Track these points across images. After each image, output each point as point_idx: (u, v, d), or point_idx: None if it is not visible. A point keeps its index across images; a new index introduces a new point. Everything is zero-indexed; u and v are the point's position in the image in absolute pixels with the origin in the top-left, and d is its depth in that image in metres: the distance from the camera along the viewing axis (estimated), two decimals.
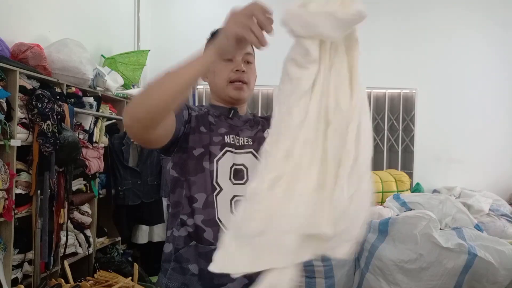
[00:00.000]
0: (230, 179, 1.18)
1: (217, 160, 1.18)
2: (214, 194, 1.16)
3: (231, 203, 1.16)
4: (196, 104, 4.09)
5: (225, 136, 1.22)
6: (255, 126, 1.30)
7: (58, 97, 2.43)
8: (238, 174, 1.19)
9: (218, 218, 1.15)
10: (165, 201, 3.33)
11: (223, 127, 1.23)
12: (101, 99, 2.99)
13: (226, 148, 1.20)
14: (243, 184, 1.18)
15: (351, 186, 0.75)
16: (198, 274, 1.14)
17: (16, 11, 2.58)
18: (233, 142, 1.22)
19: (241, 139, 1.24)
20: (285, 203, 0.72)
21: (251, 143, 1.24)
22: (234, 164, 1.20)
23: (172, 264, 1.17)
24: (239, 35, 0.87)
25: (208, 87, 1.34)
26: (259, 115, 1.42)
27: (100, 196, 3.02)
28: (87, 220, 2.84)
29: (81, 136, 2.70)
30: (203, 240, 1.14)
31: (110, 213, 3.11)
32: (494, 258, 2.68)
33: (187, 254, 1.15)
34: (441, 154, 4.46)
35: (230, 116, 1.27)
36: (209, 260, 0.84)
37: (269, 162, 0.75)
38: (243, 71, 1.24)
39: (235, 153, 1.21)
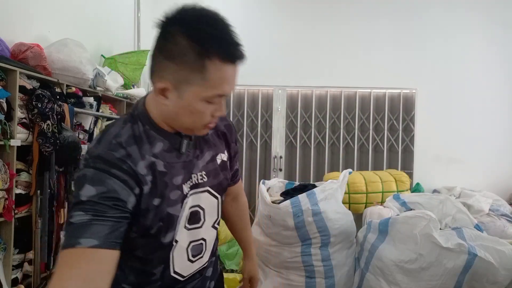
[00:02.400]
0: (185, 226, 1.02)
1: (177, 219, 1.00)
2: (171, 252, 1.01)
3: (187, 251, 1.04)
4: None
5: (182, 186, 0.99)
6: (206, 151, 1.07)
7: (58, 97, 2.43)
8: (194, 217, 1.03)
9: (174, 271, 1.04)
10: None
11: (178, 175, 0.98)
12: (101, 99, 2.99)
13: (183, 200, 1.00)
14: (200, 227, 1.06)
15: None
16: None
17: (16, 11, 2.58)
18: (188, 185, 1.01)
19: (195, 177, 1.03)
20: None
21: (206, 178, 1.05)
22: (189, 207, 1.02)
23: None
24: None
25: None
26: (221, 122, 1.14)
27: None
28: None
29: (81, 136, 2.70)
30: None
31: None
32: (494, 258, 2.68)
33: None
34: (441, 154, 4.46)
35: (183, 150, 1.00)
36: None
37: None
38: (222, 114, 0.97)
39: (191, 195, 1.02)
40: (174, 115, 0.93)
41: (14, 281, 2.22)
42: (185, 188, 1.00)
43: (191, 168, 1.02)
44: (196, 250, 1.06)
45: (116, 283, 0.93)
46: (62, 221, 2.44)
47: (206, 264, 1.13)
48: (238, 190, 1.36)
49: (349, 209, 3.59)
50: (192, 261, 1.07)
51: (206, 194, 1.06)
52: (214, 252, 1.18)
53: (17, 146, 2.18)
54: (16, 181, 2.22)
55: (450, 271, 2.71)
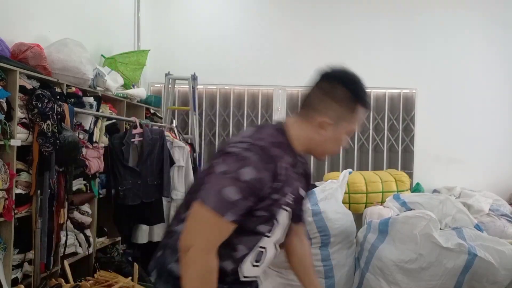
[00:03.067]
0: (266, 234, 1.21)
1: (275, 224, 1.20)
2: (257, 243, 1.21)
3: (254, 254, 1.21)
4: (196, 102, 4.09)
5: (288, 196, 1.21)
6: (303, 181, 1.32)
7: (58, 97, 2.43)
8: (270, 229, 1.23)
9: (240, 266, 1.20)
10: (165, 201, 3.33)
11: (289, 186, 1.20)
12: (101, 99, 2.98)
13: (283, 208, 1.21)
14: (269, 237, 1.21)
15: None
16: None
17: (16, 11, 2.58)
18: (288, 198, 1.21)
19: (291, 196, 1.23)
20: None
21: (293, 201, 1.24)
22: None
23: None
24: None
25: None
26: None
27: (100, 196, 3.02)
28: (87, 220, 2.84)
29: (81, 136, 2.70)
30: (224, 283, 1.16)
31: (110, 213, 3.11)
32: (494, 258, 2.68)
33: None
34: (441, 154, 4.46)
35: (301, 170, 1.28)
36: None
37: None
38: None
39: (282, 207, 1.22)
40: (323, 142, 1.22)
41: (14, 281, 2.21)
42: (287, 199, 1.20)
43: (295, 187, 1.23)
44: (258, 256, 1.22)
45: None
46: (62, 221, 2.44)
47: (256, 279, 1.28)
48: (304, 232, 1.49)
49: (349, 209, 3.59)
50: (253, 266, 1.22)
51: (286, 213, 1.22)
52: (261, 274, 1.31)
53: (17, 146, 2.18)
54: (16, 181, 2.22)
55: (450, 271, 2.71)
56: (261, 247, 1.20)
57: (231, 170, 1.07)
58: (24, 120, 2.26)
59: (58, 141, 2.28)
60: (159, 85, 4.50)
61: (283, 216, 1.21)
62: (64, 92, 2.60)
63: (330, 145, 1.24)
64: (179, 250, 1.08)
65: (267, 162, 1.10)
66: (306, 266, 1.47)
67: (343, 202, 3.72)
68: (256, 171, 1.07)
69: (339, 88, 1.19)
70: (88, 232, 2.86)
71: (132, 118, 3.24)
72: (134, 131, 3.14)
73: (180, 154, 3.47)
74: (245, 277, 1.21)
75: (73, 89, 2.70)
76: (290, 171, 1.19)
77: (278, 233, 1.23)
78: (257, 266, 1.23)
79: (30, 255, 2.32)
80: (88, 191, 2.87)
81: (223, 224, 1.06)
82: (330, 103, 1.19)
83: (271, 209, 1.15)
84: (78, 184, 2.75)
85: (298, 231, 1.44)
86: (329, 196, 3.22)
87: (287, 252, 1.45)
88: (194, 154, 3.87)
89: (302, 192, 1.30)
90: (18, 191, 2.23)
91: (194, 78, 4.02)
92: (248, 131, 1.21)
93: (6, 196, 2.11)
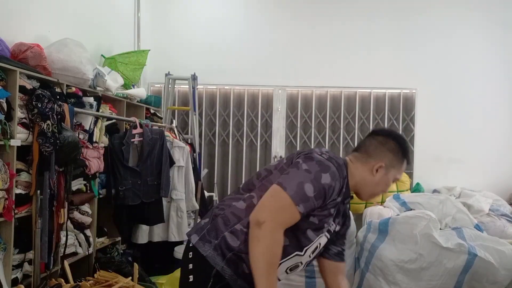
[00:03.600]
0: (306, 249, 1.38)
1: (318, 238, 1.38)
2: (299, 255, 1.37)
3: (288, 269, 1.40)
4: (196, 103, 4.09)
5: (334, 221, 1.43)
6: (342, 217, 1.52)
7: (58, 97, 2.43)
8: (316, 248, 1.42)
9: (285, 271, 1.39)
10: (165, 201, 3.33)
11: (334, 217, 1.41)
12: (101, 99, 2.98)
13: (325, 234, 1.41)
14: (312, 257, 1.45)
15: None
16: (249, 273, 1.27)
17: (16, 11, 2.58)
18: (332, 225, 1.44)
19: (333, 224, 1.45)
20: None
21: (335, 227, 1.48)
22: (319, 237, 1.39)
23: (232, 256, 1.30)
24: None
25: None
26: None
27: (100, 196, 3.02)
28: (87, 220, 2.84)
29: (81, 136, 2.70)
30: None
31: (110, 213, 3.11)
32: (494, 258, 2.68)
33: (246, 259, 1.28)
34: (441, 154, 4.46)
35: (345, 202, 1.47)
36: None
37: None
38: None
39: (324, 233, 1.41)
40: (374, 184, 1.44)
41: (14, 281, 2.21)
42: (331, 226, 1.42)
43: (338, 216, 1.44)
44: (295, 267, 1.42)
45: (229, 249, 1.30)
46: (62, 221, 2.43)
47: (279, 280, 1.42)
48: (343, 271, 1.64)
49: (349, 209, 3.58)
50: (287, 273, 1.42)
51: (325, 238, 1.42)
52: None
53: (17, 146, 2.18)
54: (16, 181, 2.22)
55: (450, 271, 2.71)
56: (300, 262, 1.39)
57: (313, 171, 1.26)
58: (24, 120, 2.26)
59: (58, 141, 2.28)
60: (159, 85, 4.50)
61: (323, 238, 1.40)
62: (64, 92, 2.59)
63: (378, 187, 1.45)
64: (250, 223, 1.24)
65: (341, 176, 1.31)
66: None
67: None
68: (331, 179, 1.27)
69: (392, 141, 1.45)
70: (88, 232, 2.86)
71: (132, 118, 3.24)
72: (134, 131, 3.14)
73: (180, 154, 3.47)
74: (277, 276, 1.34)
75: (73, 89, 2.70)
76: (341, 205, 1.42)
77: (313, 248, 1.39)
78: (287, 273, 1.41)
79: (30, 255, 2.32)
80: (88, 191, 2.87)
81: (295, 212, 1.23)
82: (385, 152, 1.44)
83: (324, 220, 1.34)
84: (78, 184, 2.75)
85: (341, 270, 1.61)
86: None
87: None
88: (194, 154, 3.88)
89: (337, 227, 1.49)
90: (18, 191, 2.23)
91: (194, 78, 4.02)
92: (324, 149, 1.40)
93: (6, 196, 2.11)
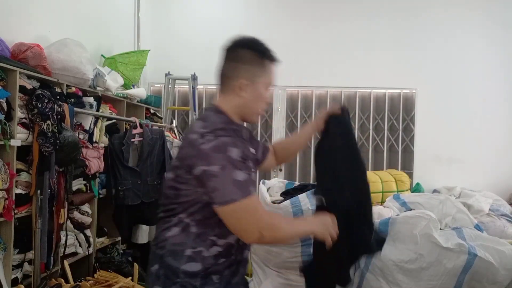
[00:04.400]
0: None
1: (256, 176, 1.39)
2: None
3: None
4: (196, 103, 4.09)
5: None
6: (254, 142, 1.54)
7: (58, 97, 2.43)
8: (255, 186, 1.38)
9: None
10: None
11: (252, 147, 1.39)
12: (101, 99, 2.98)
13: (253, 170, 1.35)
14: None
15: None
16: (219, 281, 1.27)
17: (16, 11, 2.58)
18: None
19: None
20: None
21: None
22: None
23: (200, 281, 1.25)
24: (330, 237, 1.32)
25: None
26: None
27: (100, 196, 3.02)
28: (87, 220, 2.84)
29: (81, 136, 2.70)
30: (230, 254, 1.30)
31: (110, 213, 3.11)
32: (494, 258, 2.68)
33: (215, 269, 1.27)
34: (441, 154, 4.46)
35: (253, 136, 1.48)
36: (230, 267, 1.29)
37: None
38: None
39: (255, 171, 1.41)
40: (248, 103, 1.33)
41: (14, 281, 2.22)
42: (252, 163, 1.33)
43: (250, 151, 1.34)
44: None
45: (204, 236, 1.25)
46: (62, 221, 2.44)
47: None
48: (271, 150, 1.71)
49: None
50: None
51: (254, 174, 1.36)
52: None
53: (17, 146, 2.18)
54: (16, 181, 2.22)
55: (450, 271, 2.71)
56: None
57: (221, 162, 1.15)
58: (24, 120, 2.26)
59: (58, 141, 2.29)
60: (159, 85, 4.50)
61: (254, 175, 1.34)
62: (64, 92, 2.60)
63: (256, 104, 1.35)
64: (255, 243, 1.24)
65: (234, 134, 1.23)
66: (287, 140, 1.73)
67: None
68: (235, 147, 1.18)
69: (243, 51, 1.33)
70: (88, 232, 2.86)
71: (132, 118, 3.24)
72: (134, 131, 3.14)
73: None
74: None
75: (73, 89, 2.70)
76: (247, 142, 1.36)
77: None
78: None
79: (30, 255, 2.32)
80: (88, 191, 2.87)
81: (254, 199, 1.20)
82: (241, 66, 1.31)
83: (251, 174, 1.25)
84: (78, 184, 2.75)
85: (271, 150, 1.69)
86: None
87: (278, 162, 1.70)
88: None
89: (253, 151, 1.42)
90: (18, 191, 2.23)
91: (194, 78, 4.02)
92: (198, 124, 1.26)
93: (6, 196, 2.12)
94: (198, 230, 1.25)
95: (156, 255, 1.29)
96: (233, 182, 1.15)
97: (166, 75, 4.06)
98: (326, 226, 1.33)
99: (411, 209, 3.28)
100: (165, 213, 1.31)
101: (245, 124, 1.45)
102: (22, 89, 2.25)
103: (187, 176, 1.21)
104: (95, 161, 2.82)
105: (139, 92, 3.61)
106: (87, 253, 2.82)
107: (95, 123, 2.87)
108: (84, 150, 2.69)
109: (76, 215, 2.76)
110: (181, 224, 1.26)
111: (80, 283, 2.45)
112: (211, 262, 1.25)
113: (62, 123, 2.37)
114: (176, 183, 1.25)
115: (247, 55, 1.32)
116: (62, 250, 2.54)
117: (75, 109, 2.58)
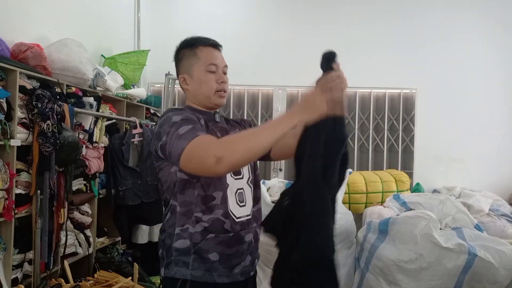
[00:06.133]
0: (231, 175, 1.39)
1: None
2: (226, 191, 1.35)
3: (235, 196, 1.38)
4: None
5: None
6: (236, 127, 1.51)
7: (58, 97, 2.43)
8: (236, 171, 1.40)
9: (230, 210, 1.35)
10: None
11: (218, 132, 1.41)
12: (101, 99, 2.98)
13: None
14: (241, 178, 1.42)
15: None
16: (219, 260, 1.32)
17: (16, 11, 2.58)
18: None
19: None
20: None
21: None
22: None
23: (193, 257, 1.32)
24: (329, 113, 1.17)
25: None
26: (232, 117, 1.61)
27: (100, 196, 3.02)
28: (87, 220, 2.84)
29: (81, 136, 2.70)
30: (223, 230, 1.33)
31: (110, 213, 3.11)
32: (494, 258, 2.68)
33: (206, 246, 1.31)
34: (441, 154, 4.46)
35: (218, 120, 1.47)
36: (228, 245, 1.32)
37: None
38: (225, 82, 1.45)
39: None
40: (195, 92, 1.43)
41: (14, 281, 2.21)
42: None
43: (227, 132, 1.44)
44: (240, 196, 1.40)
45: (189, 213, 1.32)
46: (62, 221, 2.44)
47: (250, 217, 1.42)
48: None
49: (349, 209, 3.59)
50: (239, 206, 1.39)
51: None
52: (256, 218, 1.45)
53: (17, 146, 2.18)
54: (16, 181, 2.22)
55: (450, 271, 2.71)
56: (239, 189, 1.39)
57: (166, 130, 1.25)
58: (24, 120, 2.26)
59: (58, 141, 2.28)
60: (159, 85, 4.50)
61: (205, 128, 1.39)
62: (64, 92, 2.60)
63: (201, 89, 1.42)
64: (209, 169, 1.15)
65: (181, 111, 1.34)
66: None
67: (343, 202, 3.72)
68: (178, 115, 1.29)
69: (178, 53, 1.48)
70: (88, 232, 2.86)
71: (132, 118, 3.24)
72: (134, 131, 3.14)
73: None
74: (237, 218, 1.36)
75: (73, 89, 2.70)
76: (210, 124, 1.40)
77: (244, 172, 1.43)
78: (243, 205, 1.40)
79: (30, 255, 2.32)
80: (88, 191, 2.87)
81: (202, 136, 1.20)
82: (179, 65, 1.47)
83: (197, 124, 1.32)
84: (78, 184, 2.75)
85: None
86: None
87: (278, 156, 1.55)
88: None
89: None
90: (18, 191, 2.23)
91: None
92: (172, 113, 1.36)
93: (6, 196, 2.11)
94: (183, 209, 1.33)
95: (159, 241, 1.43)
96: (178, 136, 1.21)
97: (166, 75, 4.06)
98: (313, 106, 1.16)
99: (411, 209, 3.28)
100: (164, 205, 1.43)
101: (218, 112, 1.50)
102: (22, 89, 2.25)
103: (159, 162, 1.35)
104: (95, 161, 2.82)
105: (139, 92, 3.61)
106: (87, 253, 2.82)
107: (95, 123, 2.87)
108: (84, 150, 2.69)
109: (76, 215, 2.76)
110: (171, 207, 1.36)
111: (80, 283, 2.45)
112: (199, 238, 1.31)
113: (62, 123, 2.37)
114: (158, 175, 1.39)
115: (180, 54, 1.47)
116: (62, 250, 2.54)
117: (75, 109, 2.58)
